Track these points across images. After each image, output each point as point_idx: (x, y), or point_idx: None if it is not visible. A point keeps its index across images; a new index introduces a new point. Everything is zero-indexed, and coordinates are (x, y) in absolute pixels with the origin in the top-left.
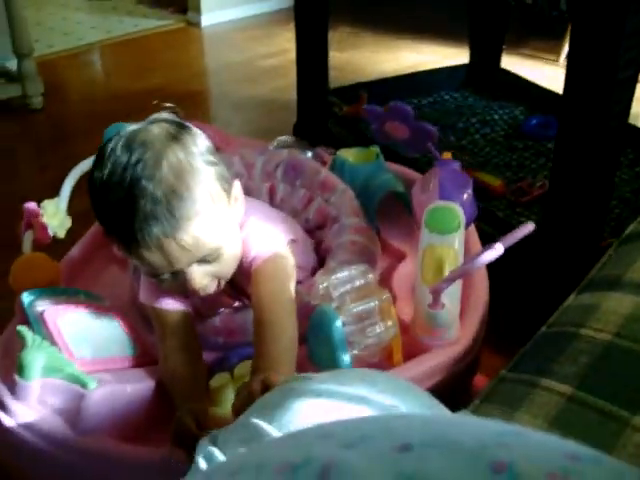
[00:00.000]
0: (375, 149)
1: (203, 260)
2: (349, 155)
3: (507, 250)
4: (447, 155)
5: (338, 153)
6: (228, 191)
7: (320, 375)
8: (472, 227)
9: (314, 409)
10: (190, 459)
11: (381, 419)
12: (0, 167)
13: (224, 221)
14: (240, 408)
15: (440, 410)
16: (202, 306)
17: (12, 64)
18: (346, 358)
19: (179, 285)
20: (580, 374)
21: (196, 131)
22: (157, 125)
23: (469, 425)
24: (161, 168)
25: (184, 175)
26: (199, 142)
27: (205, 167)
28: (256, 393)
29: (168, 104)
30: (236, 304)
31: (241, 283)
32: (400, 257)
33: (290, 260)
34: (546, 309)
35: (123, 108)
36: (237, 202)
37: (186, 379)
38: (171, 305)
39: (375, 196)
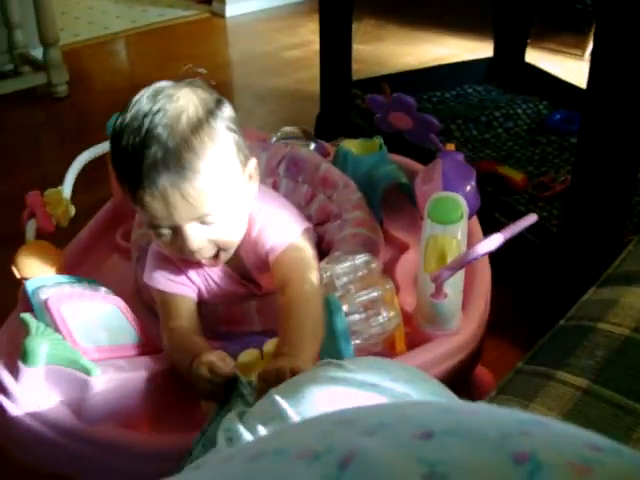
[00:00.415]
0: (378, 140)
1: (203, 221)
2: (352, 146)
3: (528, 244)
4: (450, 146)
5: (341, 144)
6: (243, 163)
7: (339, 361)
8: (474, 219)
9: (330, 395)
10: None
11: (399, 406)
12: (24, 155)
13: (233, 188)
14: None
15: (453, 399)
16: (214, 293)
17: (38, 52)
18: (349, 347)
19: (176, 245)
20: (596, 367)
21: (224, 99)
22: (187, 84)
23: (489, 413)
24: (180, 120)
25: (201, 131)
26: (224, 109)
27: (224, 131)
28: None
29: (200, 69)
30: (245, 293)
31: (252, 272)
32: (403, 248)
33: (307, 249)
34: (565, 303)
35: None
36: (251, 180)
37: (193, 345)
38: (176, 289)
39: (378, 187)
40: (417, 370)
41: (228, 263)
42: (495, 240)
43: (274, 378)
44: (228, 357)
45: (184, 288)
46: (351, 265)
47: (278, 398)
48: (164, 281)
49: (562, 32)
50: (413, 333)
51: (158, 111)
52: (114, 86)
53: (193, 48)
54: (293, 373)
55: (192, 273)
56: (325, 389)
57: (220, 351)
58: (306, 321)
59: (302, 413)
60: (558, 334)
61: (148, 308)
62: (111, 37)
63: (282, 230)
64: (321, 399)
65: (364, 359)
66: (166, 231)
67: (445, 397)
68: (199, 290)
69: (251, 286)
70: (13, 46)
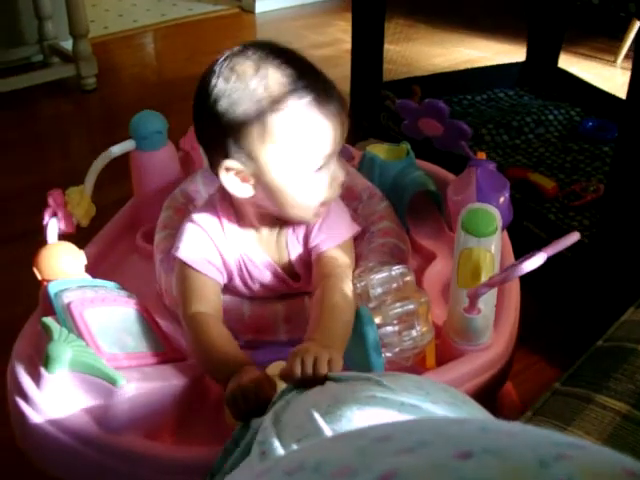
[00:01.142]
0: (406, 146)
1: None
2: (379, 151)
3: (560, 257)
4: (481, 155)
5: (368, 149)
6: None
7: (377, 377)
8: (504, 232)
9: (369, 416)
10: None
11: (438, 423)
12: (51, 146)
13: None
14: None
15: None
16: (245, 284)
17: (67, 44)
18: (379, 360)
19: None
20: (637, 392)
21: None
22: None
23: (526, 435)
24: None
25: None
26: None
27: None
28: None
29: None
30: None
31: (295, 262)
32: (430, 257)
33: (350, 253)
34: (601, 321)
35: (173, 92)
36: None
37: (228, 344)
38: (209, 270)
39: (405, 194)
40: (457, 391)
41: (270, 252)
42: (539, 258)
43: (300, 358)
44: (271, 378)
45: (217, 273)
46: (387, 276)
47: (316, 415)
48: (199, 260)
49: (595, 37)
50: (442, 346)
51: None
52: (142, 79)
53: (222, 43)
54: (318, 359)
55: (230, 257)
56: (365, 409)
57: (263, 371)
58: (341, 316)
59: (339, 432)
60: (597, 355)
61: (171, 313)
62: (140, 30)
63: (334, 231)
64: (360, 419)
65: (403, 377)
66: (322, 162)
67: (485, 419)
68: (231, 279)
69: (288, 279)
70: (43, 37)
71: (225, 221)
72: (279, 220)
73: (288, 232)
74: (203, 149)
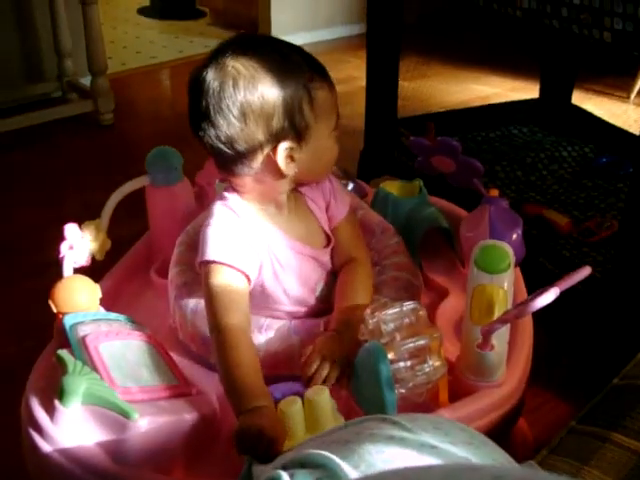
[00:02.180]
0: (419, 182)
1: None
2: (392, 188)
3: (574, 293)
4: (494, 192)
5: (381, 186)
6: None
7: (395, 417)
8: (517, 269)
9: (388, 457)
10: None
11: (450, 471)
12: (69, 180)
13: None
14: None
15: (512, 463)
16: (275, 273)
17: (86, 80)
18: (392, 396)
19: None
20: None
21: None
22: None
23: None
24: None
25: None
26: None
27: None
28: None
29: None
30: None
31: (323, 223)
32: (442, 293)
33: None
34: (616, 357)
35: (188, 129)
36: None
37: (252, 372)
38: (241, 261)
39: (418, 230)
40: (474, 431)
41: (294, 231)
42: (552, 294)
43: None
44: (284, 420)
45: (247, 264)
46: (399, 311)
47: (334, 456)
48: (231, 253)
49: (607, 74)
50: (455, 382)
51: None
52: (158, 115)
53: None
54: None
55: (259, 246)
56: (383, 450)
57: (278, 416)
58: (368, 272)
59: (356, 468)
60: (613, 393)
61: (184, 347)
62: (157, 66)
63: (344, 198)
64: (379, 460)
65: (421, 416)
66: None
67: (504, 460)
68: (261, 270)
69: (318, 250)
70: (63, 73)
71: (243, 213)
72: (295, 195)
73: (307, 202)
74: (237, 153)
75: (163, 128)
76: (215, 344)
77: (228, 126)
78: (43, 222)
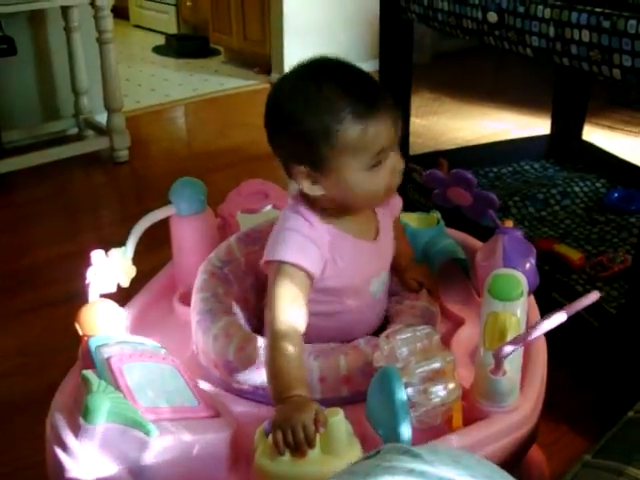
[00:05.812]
0: (436, 214)
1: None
2: (410, 220)
3: (589, 328)
4: (509, 223)
5: (399, 217)
6: None
7: (416, 449)
8: (531, 298)
9: None
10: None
11: None
12: (85, 216)
13: None
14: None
15: None
16: (339, 272)
17: (102, 118)
18: (407, 420)
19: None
20: None
21: None
22: None
23: None
24: None
25: None
26: None
27: None
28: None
29: None
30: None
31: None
32: (459, 322)
33: None
34: (631, 390)
35: (203, 164)
36: None
37: (295, 364)
38: (308, 260)
39: (435, 261)
40: (495, 466)
41: (365, 234)
42: (558, 318)
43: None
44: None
45: (313, 264)
46: (412, 336)
47: None
48: (298, 254)
49: (617, 109)
50: (469, 408)
51: None
52: (172, 153)
53: (252, 117)
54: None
55: (324, 247)
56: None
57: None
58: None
59: None
60: (628, 427)
61: (206, 372)
62: (172, 104)
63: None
64: None
65: (441, 449)
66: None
67: None
68: (325, 270)
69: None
70: (79, 111)
71: (310, 215)
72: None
73: (378, 220)
74: (281, 162)
75: (177, 165)
76: (269, 333)
77: (272, 135)
78: (61, 257)
